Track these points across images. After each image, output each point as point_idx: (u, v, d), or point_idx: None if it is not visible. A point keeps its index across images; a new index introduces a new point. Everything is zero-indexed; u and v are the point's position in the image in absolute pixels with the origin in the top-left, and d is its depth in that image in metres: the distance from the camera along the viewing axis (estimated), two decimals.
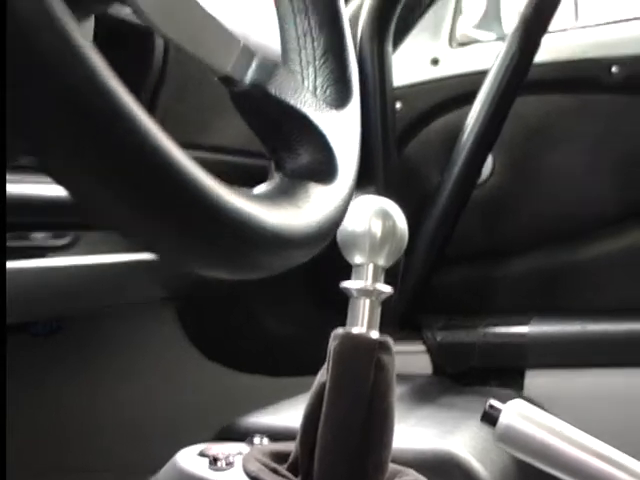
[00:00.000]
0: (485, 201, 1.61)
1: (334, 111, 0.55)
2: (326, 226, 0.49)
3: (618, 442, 0.81)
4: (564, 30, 1.68)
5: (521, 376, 1.48)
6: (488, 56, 1.59)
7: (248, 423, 1.04)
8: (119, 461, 1.56)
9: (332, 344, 0.82)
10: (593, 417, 1.38)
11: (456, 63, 1.65)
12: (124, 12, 0.51)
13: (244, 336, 1.63)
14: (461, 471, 0.97)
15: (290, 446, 0.80)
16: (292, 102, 0.52)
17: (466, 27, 1.80)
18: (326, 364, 0.80)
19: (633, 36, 1.59)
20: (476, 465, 0.98)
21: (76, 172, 0.38)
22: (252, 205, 0.42)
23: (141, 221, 0.39)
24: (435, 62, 1.65)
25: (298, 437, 0.78)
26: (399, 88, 1.64)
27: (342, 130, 0.54)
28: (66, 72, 0.36)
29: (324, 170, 0.51)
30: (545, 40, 1.53)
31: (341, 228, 0.67)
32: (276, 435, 0.93)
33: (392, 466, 0.78)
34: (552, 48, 1.56)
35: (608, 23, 1.67)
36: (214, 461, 0.85)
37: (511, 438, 0.80)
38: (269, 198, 0.46)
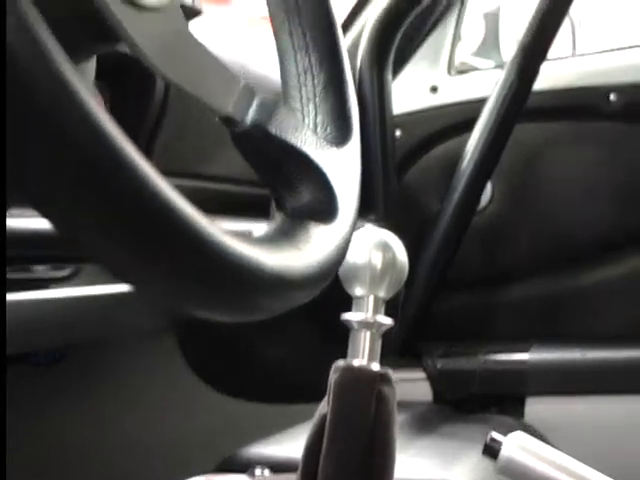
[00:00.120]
0: (485, 228, 1.60)
1: (334, 149, 0.55)
2: (327, 266, 0.48)
3: (618, 470, 0.81)
4: (562, 58, 1.69)
5: (521, 403, 1.47)
6: (487, 84, 1.60)
7: (250, 454, 1.04)
8: None
9: (333, 376, 0.82)
10: (594, 444, 1.37)
11: (455, 91, 1.66)
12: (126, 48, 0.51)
13: (245, 364, 1.62)
14: None
15: (291, 478, 0.80)
16: (293, 141, 0.51)
17: (465, 54, 1.81)
18: (327, 396, 0.80)
19: (631, 64, 1.59)
20: None
21: (75, 221, 0.38)
22: (253, 249, 0.42)
23: (140, 267, 0.39)
24: (434, 90, 1.66)
25: (299, 469, 0.78)
26: (398, 116, 1.64)
27: (342, 168, 0.54)
28: (62, 120, 0.36)
29: (325, 209, 0.51)
30: (544, 68, 1.53)
31: None
32: (277, 466, 0.93)
33: None
34: (551, 76, 1.57)
35: (606, 51, 1.67)
36: None
37: (512, 471, 0.79)
38: (270, 240, 0.46)
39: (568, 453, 0.80)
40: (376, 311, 0.84)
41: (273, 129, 0.51)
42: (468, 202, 1.55)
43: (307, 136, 0.53)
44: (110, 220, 0.38)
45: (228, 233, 0.41)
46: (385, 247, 0.84)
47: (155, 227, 0.39)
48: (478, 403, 1.48)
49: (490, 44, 1.88)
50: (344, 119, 0.58)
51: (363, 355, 0.82)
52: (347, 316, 0.83)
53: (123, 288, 1.01)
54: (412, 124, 1.66)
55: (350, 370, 0.80)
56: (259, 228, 0.48)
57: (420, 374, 1.52)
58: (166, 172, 1.14)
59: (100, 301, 1.02)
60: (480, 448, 0.81)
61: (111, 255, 0.39)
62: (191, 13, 0.66)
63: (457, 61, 1.72)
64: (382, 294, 0.84)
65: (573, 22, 1.86)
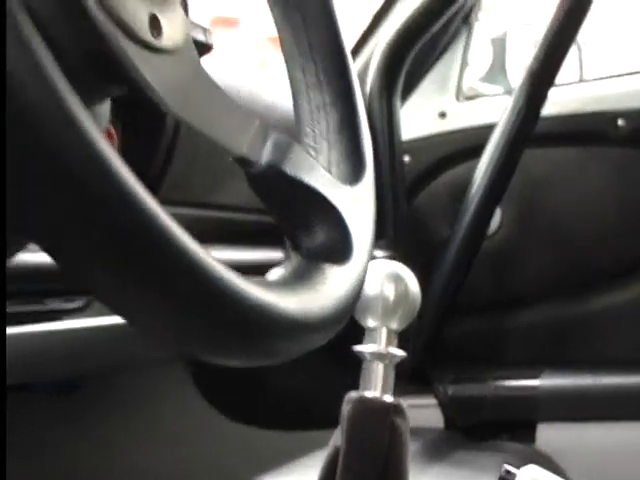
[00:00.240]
0: (494, 253, 1.60)
1: (348, 187, 0.54)
2: (344, 308, 0.48)
3: None
4: (570, 84, 1.69)
5: (533, 429, 1.46)
6: (495, 110, 1.59)
7: None
8: None
9: (346, 408, 0.82)
10: (606, 471, 1.36)
11: (463, 117, 1.66)
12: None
13: (257, 392, 1.62)
14: None
15: None
16: (307, 181, 0.51)
17: (472, 80, 1.81)
18: (340, 428, 0.80)
19: (639, 89, 1.59)
20: None
21: (87, 266, 0.37)
22: (270, 294, 0.42)
23: (154, 314, 0.39)
24: (443, 116, 1.66)
25: None
26: (407, 141, 1.64)
27: (356, 206, 0.53)
28: (72, 162, 0.36)
29: (340, 249, 0.50)
30: (551, 94, 1.53)
31: None
32: None
33: None
34: (558, 102, 1.56)
35: (613, 76, 1.67)
36: None
37: None
38: (286, 284, 0.46)
39: None
40: (389, 343, 0.83)
41: (288, 169, 0.50)
42: (478, 227, 1.54)
43: (321, 175, 0.53)
44: (121, 265, 0.37)
45: (244, 278, 0.40)
46: (397, 279, 0.84)
47: (169, 274, 0.38)
48: (489, 429, 1.47)
49: (497, 69, 1.88)
50: (357, 156, 0.57)
51: (376, 387, 0.82)
52: (360, 348, 0.83)
53: None
54: (421, 149, 1.65)
55: (363, 402, 0.80)
56: (275, 272, 0.47)
57: (431, 400, 1.51)
58: (177, 202, 1.14)
59: (112, 331, 1.01)
60: (492, 478, 0.81)
61: (122, 301, 0.39)
62: (203, 49, 0.66)
63: (465, 86, 1.72)
64: (394, 326, 0.84)
65: (580, 48, 1.86)
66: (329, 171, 0.56)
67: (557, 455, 1.35)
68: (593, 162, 1.59)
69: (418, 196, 1.65)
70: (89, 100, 0.50)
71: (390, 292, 0.83)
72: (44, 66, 0.36)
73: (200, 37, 0.60)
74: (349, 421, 0.79)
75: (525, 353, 1.58)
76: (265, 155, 0.50)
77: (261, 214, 1.21)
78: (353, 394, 0.81)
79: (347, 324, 0.76)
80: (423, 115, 1.67)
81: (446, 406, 1.51)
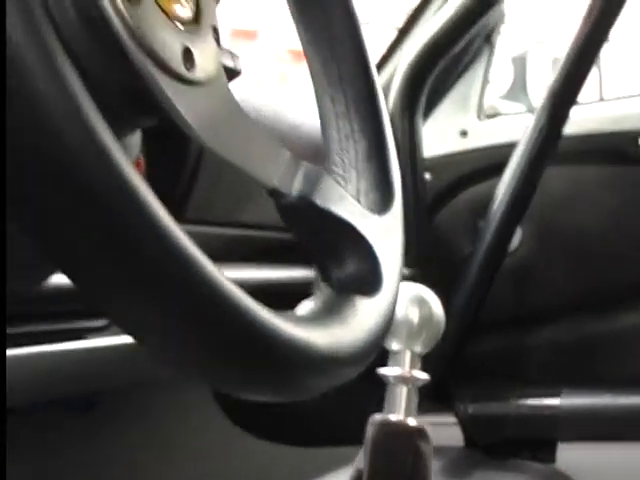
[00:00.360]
0: (515, 270, 1.59)
1: (377, 216, 0.54)
2: (374, 341, 0.47)
3: None
4: (590, 103, 1.68)
5: (553, 448, 1.44)
6: (516, 128, 1.59)
7: None
8: None
9: (370, 430, 0.82)
10: None
11: (484, 135, 1.65)
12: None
13: (278, 408, 1.61)
14: None
15: None
16: (337, 212, 0.51)
17: (493, 97, 1.80)
18: (363, 450, 0.80)
19: None
20: None
21: (121, 303, 0.37)
22: (301, 329, 0.41)
23: (184, 350, 0.38)
24: (464, 134, 1.65)
25: None
26: (429, 159, 1.64)
27: (385, 236, 0.53)
28: (104, 197, 0.35)
29: (370, 280, 0.50)
30: (571, 112, 1.52)
31: None
32: None
33: None
34: (578, 120, 1.55)
35: (633, 96, 1.66)
36: None
37: None
38: (316, 319, 0.45)
39: None
40: (413, 366, 0.83)
41: (318, 200, 0.50)
42: (499, 245, 1.53)
43: (351, 205, 0.52)
44: (154, 303, 0.37)
45: (275, 314, 0.40)
46: (421, 302, 0.83)
47: (199, 310, 0.38)
48: (510, 448, 1.46)
49: (518, 87, 1.88)
50: (386, 186, 0.57)
51: (400, 410, 0.82)
52: (384, 371, 0.82)
53: None
54: (442, 167, 1.65)
55: (387, 425, 0.80)
56: (304, 305, 0.47)
57: (451, 418, 1.50)
58: (203, 221, 1.14)
59: (134, 349, 1.01)
60: None
61: (152, 336, 0.38)
62: (232, 74, 0.66)
63: (486, 104, 1.71)
64: (418, 349, 0.83)
65: (600, 68, 1.86)
66: (358, 200, 0.55)
67: (577, 475, 1.34)
68: (613, 181, 1.58)
69: (439, 213, 1.64)
70: (121, 131, 0.50)
71: (414, 315, 0.83)
72: (76, 98, 0.36)
73: (229, 63, 0.60)
74: (373, 444, 0.79)
75: (545, 371, 1.57)
76: (296, 186, 0.50)
77: (285, 232, 1.21)
78: (377, 417, 0.81)
79: None
80: (444, 133, 1.66)
81: (466, 424, 1.50)
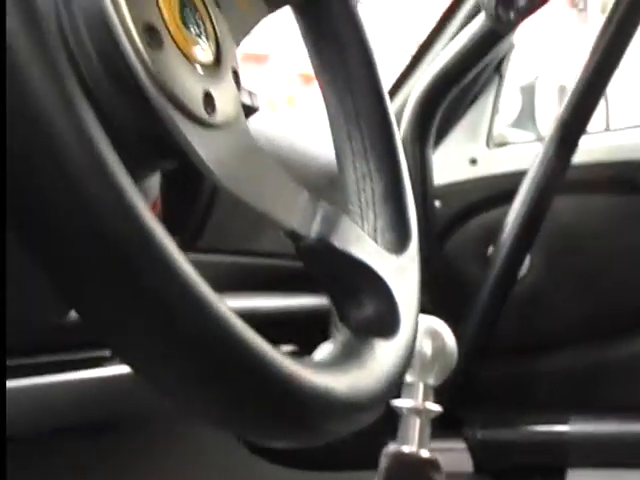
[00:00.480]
0: (524, 297, 1.58)
1: (394, 257, 0.53)
2: (393, 383, 0.47)
3: None
4: (597, 132, 1.67)
5: (562, 474, 1.43)
6: (525, 156, 1.58)
7: None
8: None
9: (383, 461, 0.81)
10: None
11: (494, 163, 1.64)
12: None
13: None
14: None
15: None
16: (355, 253, 0.50)
17: (502, 125, 1.79)
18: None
19: None
20: None
21: (137, 351, 0.36)
22: (319, 376, 0.40)
23: (203, 397, 0.37)
24: (473, 162, 1.65)
25: None
26: (439, 187, 1.63)
27: (403, 277, 0.52)
28: (129, 254, 0.35)
29: (388, 322, 0.49)
30: (581, 142, 1.51)
31: None
32: None
33: None
34: (586, 150, 1.55)
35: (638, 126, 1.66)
36: None
37: None
38: (335, 364, 0.44)
39: None
40: (425, 398, 0.83)
41: (336, 242, 0.49)
42: (509, 272, 1.52)
43: (368, 246, 0.52)
44: (170, 350, 0.36)
45: (293, 360, 0.39)
46: (434, 335, 0.83)
47: (218, 357, 0.37)
48: (519, 474, 1.45)
49: (527, 116, 1.87)
50: (403, 226, 0.56)
51: (413, 442, 0.81)
52: (397, 402, 0.82)
53: None
54: (452, 195, 1.64)
55: (400, 456, 0.79)
56: (323, 349, 0.46)
57: (460, 444, 1.49)
58: (218, 250, 1.13)
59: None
60: None
61: (169, 385, 0.38)
62: (249, 111, 0.66)
63: (495, 132, 1.71)
64: (431, 381, 0.83)
65: (607, 98, 1.85)
66: (375, 239, 0.55)
67: None
68: (620, 209, 1.57)
69: (449, 240, 1.63)
70: (141, 174, 0.50)
71: (427, 348, 0.82)
72: (96, 142, 0.35)
73: (246, 100, 0.60)
74: (386, 474, 0.79)
75: (554, 397, 1.55)
76: (314, 228, 0.49)
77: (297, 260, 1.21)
78: (391, 448, 0.80)
79: None
80: (454, 161, 1.66)
81: (475, 450, 1.49)
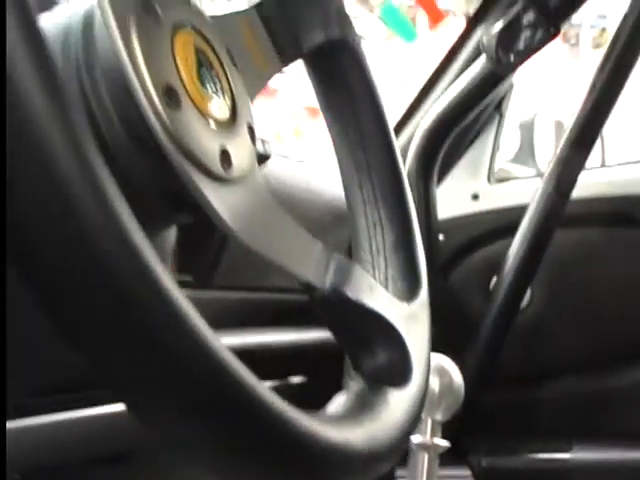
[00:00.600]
0: (525, 327, 1.57)
1: (405, 304, 0.52)
2: (407, 432, 0.46)
3: None
4: (595, 168, 1.67)
5: None
6: (525, 191, 1.58)
7: None
8: None
9: None
10: None
11: (495, 198, 1.64)
12: None
13: None
14: None
15: None
16: (368, 304, 0.49)
17: (502, 161, 1.79)
18: None
19: None
20: None
21: (154, 409, 0.35)
22: (334, 430, 0.39)
23: (220, 456, 0.36)
24: (475, 197, 1.64)
25: None
26: (442, 221, 1.62)
27: (414, 325, 0.51)
28: (139, 304, 0.34)
29: (400, 371, 0.48)
30: (580, 177, 1.51)
31: None
32: None
33: None
34: (584, 185, 1.54)
35: (634, 162, 1.65)
36: None
37: None
38: (350, 416, 0.43)
39: None
40: (433, 434, 0.81)
41: (349, 293, 0.48)
42: (511, 304, 1.51)
43: (381, 295, 0.51)
44: (187, 410, 0.35)
45: (309, 416, 0.38)
46: (442, 372, 0.82)
47: (233, 417, 0.35)
48: None
49: (526, 152, 1.87)
50: (413, 273, 0.55)
51: (422, 477, 0.80)
52: None
53: None
54: (455, 229, 1.64)
55: None
56: (337, 401, 0.45)
57: (465, 471, 1.47)
58: (231, 287, 1.11)
59: None
60: None
61: (183, 442, 0.37)
62: (262, 159, 0.65)
63: (496, 168, 1.70)
64: (439, 417, 0.82)
65: (603, 135, 1.84)
66: (386, 287, 0.54)
67: None
68: (618, 242, 1.56)
69: (453, 272, 1.63)
70: (158, 227, 0.49)
71: (435, 385, 0.81)
72: (110, 198, 0.34)
73: (259, 149, 0.59)
74: None
75: (557, 425, 1.54)
76: (328, 279, 0.48)
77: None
78: None
79: None
80: (457, 196, 1.65)
81: (480, 477, 1.47)
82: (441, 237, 1.63)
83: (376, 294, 0.50)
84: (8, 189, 0.31)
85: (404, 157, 1.57)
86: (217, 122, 0.46)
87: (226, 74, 0.49)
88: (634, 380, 1.51)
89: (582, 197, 1.54)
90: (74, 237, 0.33)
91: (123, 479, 1.31)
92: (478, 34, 1.55)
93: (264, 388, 0.36)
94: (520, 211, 1.52)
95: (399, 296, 0.53)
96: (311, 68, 0.61)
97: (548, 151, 1.79)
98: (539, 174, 1.67)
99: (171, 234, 0.54)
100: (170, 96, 0.42)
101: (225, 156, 0.45)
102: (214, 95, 0.47)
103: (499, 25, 1.39)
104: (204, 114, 0.45)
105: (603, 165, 1.84)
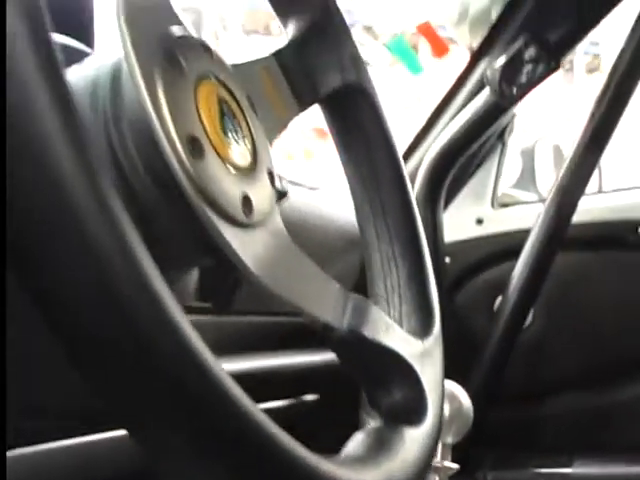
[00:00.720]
0: (528, 345, 1.56)
1: (420, 342, 0.52)
2: (423, 469, 0.45)
3: None
4: (593, 194, 1.66)
5: None
6: (527, 216, 1.57)
7: None
8: None
9: None
10: None
11: (499, 222, 1.63)
12: None
13: None
14: None
15: None
16: (385, 342, 0.48)
17: (505, 187, 1.78)
18: None
19: None
20: None
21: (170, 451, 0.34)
22: (354, 473, 0.38)
23: None
24: (479, 222, 1.64)
25: None
26: (448, 244, 1.62)
27: (429, 362, 0.50)
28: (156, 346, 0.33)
29: (416, 409, 0.47)
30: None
31: None
32: None
33: None
34: (583, 210, 1.53)
35: (630, 188, 1.64)
36: None
37: None
38: (367, 456, 0.42)
39: None
40: (444, 457, 0.81)
41: (366, 332, 0.48)
42: (515, 324, 1.50)
43: (396, 334, 0.50)
44: (201, 449, 0.34)
45: (327, 459, 0.37)
46: (451, 397, 0.81)
47: (252, 460, 0.34)
48: None
49: (527, 178, 1.86)
50: (427, 310, 0.55)
51: None
52: None
53: None
54: (460, 252, 1.63)
55: None
56: (355, 440, 0.44)
57: None
58: (250, 312, 1.10)
59: None
60: None
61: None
62: (280, 196, 0.64)
63: (500, 193, 1.70)
64: (449, 440, 0.81)
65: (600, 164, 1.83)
66: (401, 324, 0.53)
67: None
68: (616, 265, 1.55)
69: (459, 294, 1.62)
70: (180, 270, 0.48)
71: (445, 410, 0.80)
72: (132, 245, 0.33)
73: (277, 186, 0.58)
74: None
75: (560, 440, 1.52)
76: (346, 320, 0.48)
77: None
78: None
79: None
80: (462, 221, 1.65)
81: None
82: (447, 260, 1.62)
83: (392, 333, 0.49)
84: (36, 240, 0.31)
85: (412, 183, 1.56)
86: (238, 169, 0.45)
87: (247, 121, 0.48)
88: (634, 395, 1.50)
89: (581, 222, 1.53)
90: (101, 293, 0.32)
91: None
92: (482, 67, 1.54)
93: (282, 431, 0.35)
94: (523, 235, 1.52)
95: (414, 333, 0.52)
96: (327, 111, 0.60)
97: (548, 175, 1.78)
98: (541, 199, 1.66)
99: (193, 275, 0.54)
100: (194, 146, 0.42)
101: (246, 202, 0.44)
102: (236, 143, 0.46)
103: (502, 59, 1.39)
104: (226, 161, 0.44)
105: (600, 191, 1.83)
